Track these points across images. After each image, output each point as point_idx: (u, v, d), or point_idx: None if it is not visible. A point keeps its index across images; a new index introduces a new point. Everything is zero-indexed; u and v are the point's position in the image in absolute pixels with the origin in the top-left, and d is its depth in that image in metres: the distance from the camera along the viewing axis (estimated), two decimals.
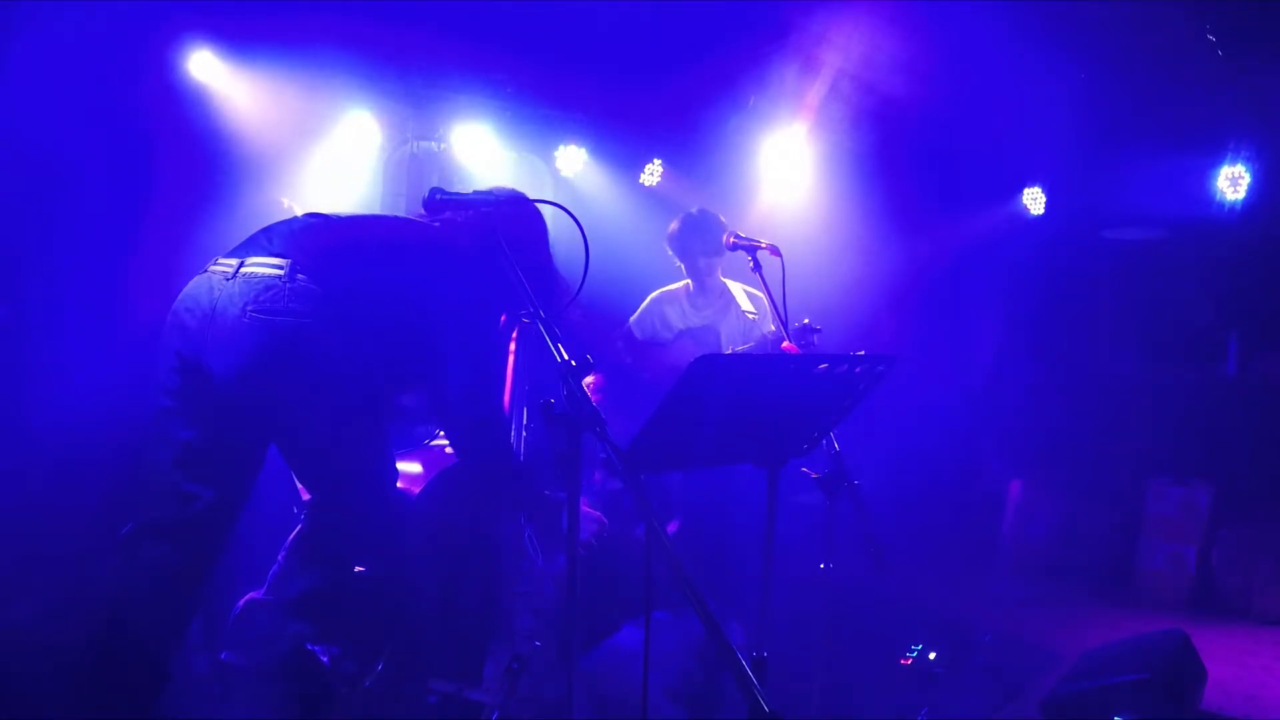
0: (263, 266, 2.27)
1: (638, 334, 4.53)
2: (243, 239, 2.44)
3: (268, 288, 2.24)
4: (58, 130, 3.90)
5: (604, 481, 3.70)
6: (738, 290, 4.48)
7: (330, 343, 2.27)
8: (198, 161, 4.43)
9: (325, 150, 5.27)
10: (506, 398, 3.28)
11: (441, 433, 3.38)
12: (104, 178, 4.04)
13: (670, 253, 4.45)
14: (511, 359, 3.28)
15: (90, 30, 3.98)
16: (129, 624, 2.28)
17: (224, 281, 2.27)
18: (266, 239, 2.37)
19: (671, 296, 4.54)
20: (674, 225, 4.42)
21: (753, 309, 4.42)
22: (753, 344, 4.29)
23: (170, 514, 2.32)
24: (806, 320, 3.77)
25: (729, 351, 4.30)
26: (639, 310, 4.58)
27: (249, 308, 2.22)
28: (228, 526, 2.43)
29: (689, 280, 4.48)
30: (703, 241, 4.31)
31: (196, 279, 2.35)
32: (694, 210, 4.42)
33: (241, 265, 2.28)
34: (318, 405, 2.28)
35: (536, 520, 2.80)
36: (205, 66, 4.60)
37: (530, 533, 3.28)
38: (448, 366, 2.47)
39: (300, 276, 2.25)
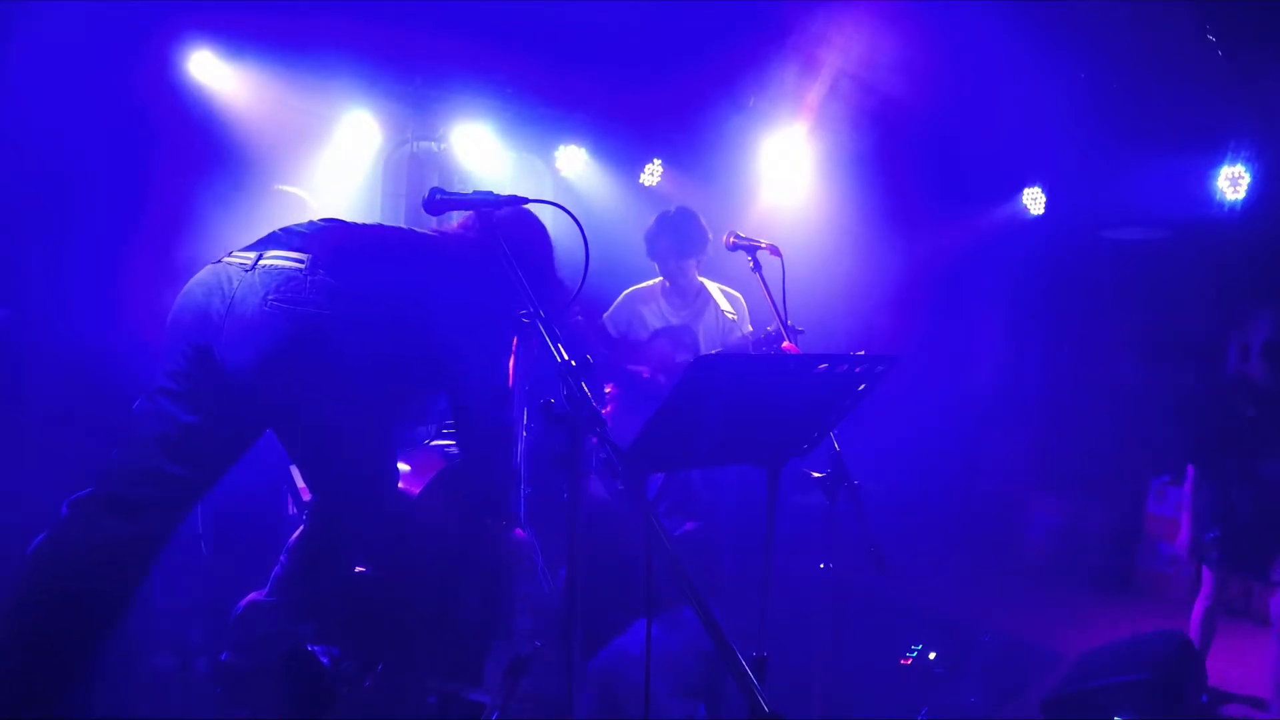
0: (283, 260, 2.28)
1: (612, 331, 4.50)
2: (244, 238, 2.45)
3: (289, 279, 2.25)
4: (58, 130, 3.90)
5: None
6: (715, 290, 4.45)
7: (347, 338, 2.27)
8: (198, 161, 4.43)
9: (325, 150, 5.27)
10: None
11: (446, 432, 3.39)
12: (104, 178, 4.05)
13: (646, 252, 4.44)
14: (511, 360, 3.29)
15: (90, 30, 3.98)
16: (64, 594, 2.23)
17: (243, 273, 2.28)
18: (286, 236, 2.39)
19: (647, 295, 4.50)
20: (650, 224, 4.41)
21: (731, 310, 4.39)
22: (730, 345, 4.27)
23: (140, 491, 2.30)
24: (790, 322, 3.76)
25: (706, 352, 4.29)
26: (613, 307, 4.54)
27: (270, 297, 2.23)
28: (187, 511, 2.42)
29: (663, 279, 4.47)
30: (676, 242, 4.28)
31: (210, 268, 2.35)
32: (671, 210, 4.40)
33: (260, 258, 2.29)
34: (330, 399, 2.29)
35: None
36: (205, 66, 4.60)
37: (531, 533, 3.28)
38: (462, 372, 2.48)
39: (321, 272, 2.27)
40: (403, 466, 2.98)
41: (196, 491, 2.41)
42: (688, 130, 5.95)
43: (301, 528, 2.63)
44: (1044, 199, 6.47)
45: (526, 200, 2.51)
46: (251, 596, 2.70)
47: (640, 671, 2.92)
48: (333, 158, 5.30)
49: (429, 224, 2.68)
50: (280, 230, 2.43)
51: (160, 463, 2.30)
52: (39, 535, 2.29)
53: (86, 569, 2.26)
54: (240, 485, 2.58)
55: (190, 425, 2.31)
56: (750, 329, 4.33)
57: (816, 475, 2.69)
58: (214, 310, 2.26)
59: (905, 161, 6.06)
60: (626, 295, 4.53)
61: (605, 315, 4.53)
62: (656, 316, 4.45)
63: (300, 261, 2.28)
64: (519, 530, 2.93)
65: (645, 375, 4.25)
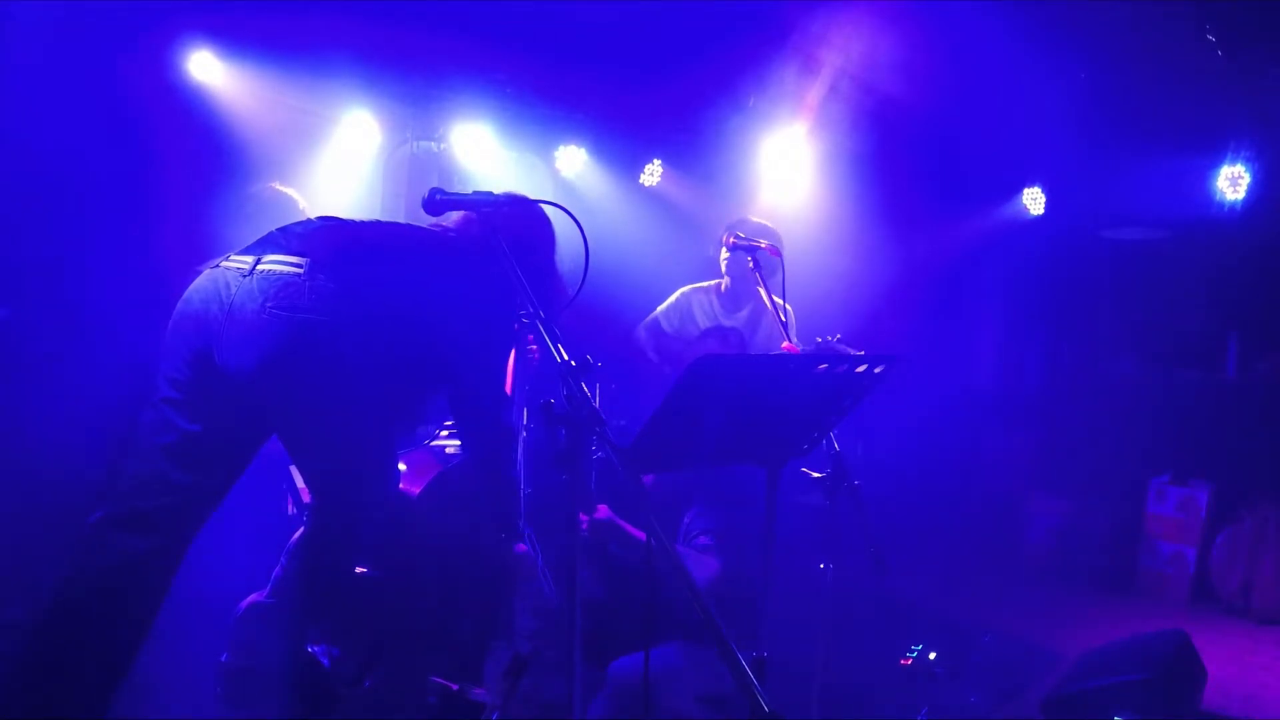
0: (280, 264, 2.27)
1: (665, 326, 4.52)
2: (244, 238, 2.44)
3: (287, 285, 2.24)
4: (58, 131, 3.90)
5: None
6: (768, 300, 4.47)
7: (347, 342, 2.27)
8: (198, 162, 4.43)
9: (325, 150, 5.27)
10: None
11: (443, 433, 3.39)
12: (104, 179, 4.04)
13: (721, 250, 4.43)
14: (511, 360, 3.29)
15: (90, 30, 3.98)
16: (92, 619, 2.24)
17: (240, 278, 2.27)
18: (283, 238, 2.37)
19: (703, 293, 4.52)
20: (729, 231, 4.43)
21: (784, 320, 4.41)
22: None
23: (151, 504, 2.29)
24: (838, 336, 3.74)
25: None
26: (667, 303, 4.56)
27: (269, 304, 2.21)
28: (203, 519, 2.42)
29: (724, 280, 4.46)
30: (748, 234, 4.31)
31: (208, 273, 2.34)
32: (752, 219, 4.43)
33: (258, 263, 2.28)
34: (330, 403, 2.28)
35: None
36: (205, 67, 4.60)
37: (531, 534, 3.28)
38: (466, 373, 2.48)
39: (320, 276, 2.25)
40: (403, 466, 2.98)
41: (209, 499, 2.40)
42: (688, 130, 5.95)
43: (302, 529, 2.63)
44: (1044, 199, 6.46)
45: (525, 198, 2.51)
46: (252, 597, 2.70)
47: (665, 686, 2.93)
48: (333, 158, 5.30)
49: (428, 224, 2.67)
50: (277, 231, 2.41)
51: (168, 472, 2.30)
52: (62, 567, 2.28)
53: (111, 591, 2.26)
54: (240, 485, 2.58)
55: (194, 433, 2.31)
56: (795, 339, 4.34)
57: (816, 475, 2.69)
58: (213, 317, 2.26)
59: (905, 161, 6.05)
60: (683, 292, 4.56)
61: (659, 310, 4.55)
62: (708, 315, 4.47)
63: (299, 266, 2.26)
64: (521, 545, 2.92)
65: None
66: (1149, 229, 6.37)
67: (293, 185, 4.42)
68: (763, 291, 4.45)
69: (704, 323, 4.46)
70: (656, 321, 4.54)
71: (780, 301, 4.47)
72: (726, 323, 4.45)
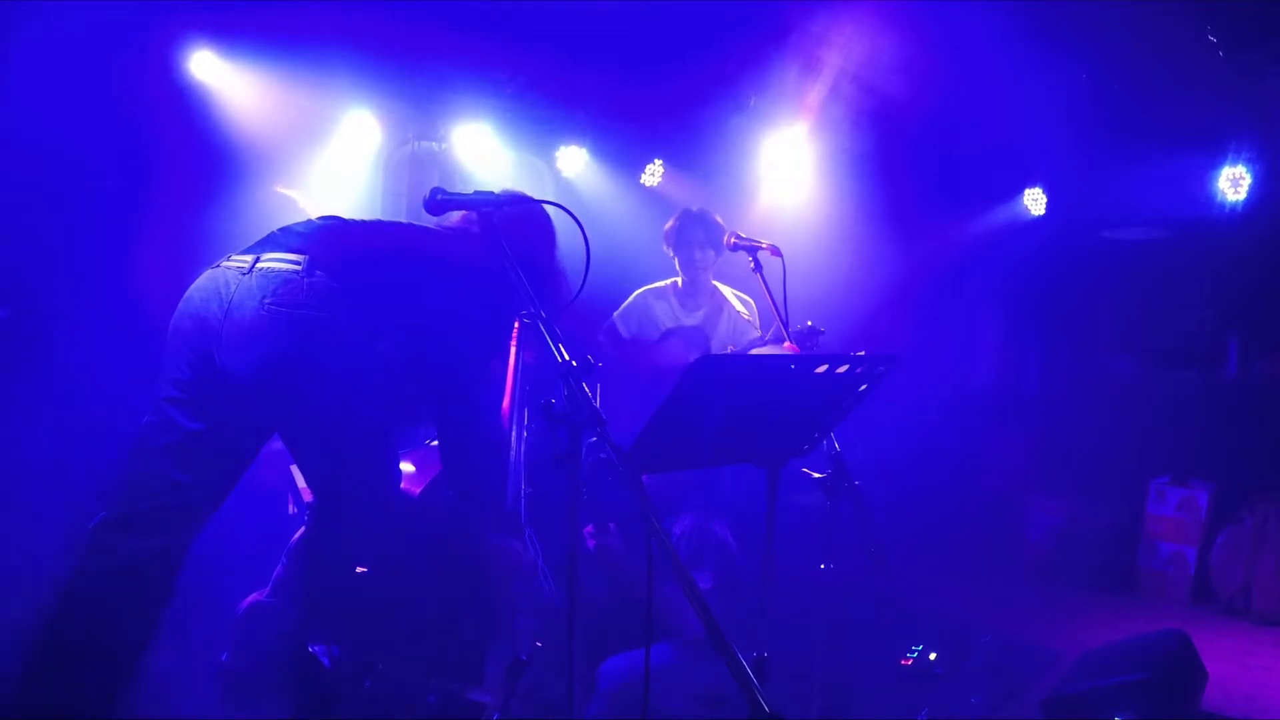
0: (280, 262, 2.27)
1: (623, 330, 4.48)
2: (245, 237, 2.44)
3: (285, 282, 2.24)
4: (59, 131, 3.90)
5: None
6: (729, 294, 4.46)
7: (346, 340, 2.27)
8: (199, 162, 4.43)
9: (325, 150, 5.27)
10: (506, 400, 3.28)
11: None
12: (106, 178, 4.05)
13: (666, 247, 4.45)
14: (511, 359, 3.29)
15: (91, 30, 3.98)
16: (95, 622, 2.24)
17: (240, 276, 2.27)
18: (283, 236, 2.38)
19: (660, 293, 4.50)
20: (671, 221, 4.44)
21: (745, 311, 4.40)
22: (743, 347, 4.27)
23: (153, 504, 2.29)
24: (810, 323, 3.75)
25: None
26: (624, 305, 4.53)
27: (267, 301, 2.22)
28: (205, 520, 2.41)
29: (679, 278, 4.47)
30: (700, 227, 4.32)
31: (208, 273, 2.34)
32: (694, 209, 4.44)
33: (258, 261, 2.28)
34: (330, 401, 2.29)
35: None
36: (206, 66, 4.60)
37: (531, 533, 3.28)
38: (463, 372, 2.48)
39: (318, 273, 2.26)
40: (410, 466, 2.98)
41: (211, 499, 2.40)
42: (688, 130, 5.95)
43: (302, 529, 2.63)
44: (1044, 199, 6.46)
45: (526, 198, 2.51)
46: (253, 597, 2.70)
47: (656, 687, 2.92)
48: (333, 157, 5.30)
49: (429, 223, 2.67)
50: (278, 231, 2.42)
51: (170, 472, 2.30)
52: (65, 570, 2.27)
53: (115, 593, 2.26)
54: (241, 485, 2.58)
55: (196, 432, 2.31)
56: (758, 333, 4.33)
57: (816, 475, 2.69)
58: (212, 315, 2.26)
59: (905, 162, 6.05)
60: (639, 294, 4.53)
61: (616, 314, 4.52)
62: (669, 316, 4.45)
63: (297, 263, 2.27)
64: (507, 538, 2.92)
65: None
66: (1149, 229, 6.37)
67: (293, 184, 4.43)
68: (724, 289, 4.47)
69: (665, 323, 4.42)
70: (614, 325, 4.50)
71: (746, 298, 4.48)
72: (686, 321, 4.43)
